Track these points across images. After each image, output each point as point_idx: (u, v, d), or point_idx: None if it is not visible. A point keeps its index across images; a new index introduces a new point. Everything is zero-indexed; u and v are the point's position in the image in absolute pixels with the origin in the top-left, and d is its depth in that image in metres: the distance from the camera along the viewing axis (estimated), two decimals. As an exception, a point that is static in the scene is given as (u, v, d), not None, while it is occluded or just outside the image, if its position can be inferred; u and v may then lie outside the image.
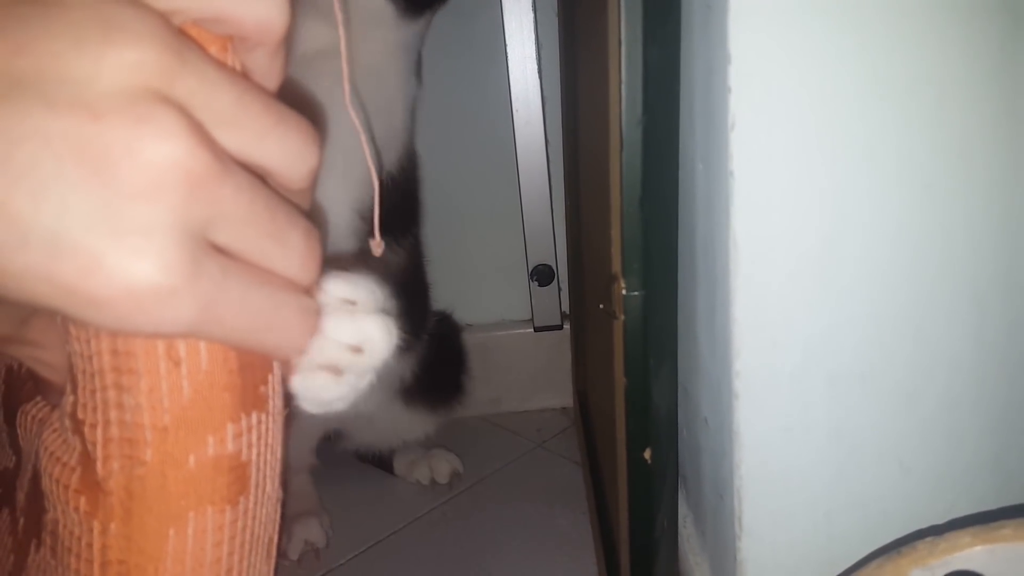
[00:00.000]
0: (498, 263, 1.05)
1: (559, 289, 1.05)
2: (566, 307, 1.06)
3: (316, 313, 0.23)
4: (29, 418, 0.32)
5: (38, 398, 0.31)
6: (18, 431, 0.32)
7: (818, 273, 0.38)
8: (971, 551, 0.31)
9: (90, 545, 0.24)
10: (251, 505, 0.25)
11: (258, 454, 0.24)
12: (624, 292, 0.41)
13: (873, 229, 0.38)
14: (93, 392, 0.23)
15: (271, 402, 0.25)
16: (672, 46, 0.40)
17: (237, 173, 0.20)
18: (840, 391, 0.40)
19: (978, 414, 0.40)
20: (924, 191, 0.37)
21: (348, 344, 0.24)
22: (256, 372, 0.24)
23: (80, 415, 0.24)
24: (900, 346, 0.39)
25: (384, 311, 0.25)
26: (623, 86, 0.38)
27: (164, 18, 0.20)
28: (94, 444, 0.23)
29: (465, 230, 1.03)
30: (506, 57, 0.94)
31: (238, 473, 0.24)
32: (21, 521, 0.31)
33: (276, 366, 0.25)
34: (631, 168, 0.40)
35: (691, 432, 0.51)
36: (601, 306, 0.43)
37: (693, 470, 0.52)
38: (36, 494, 0.28)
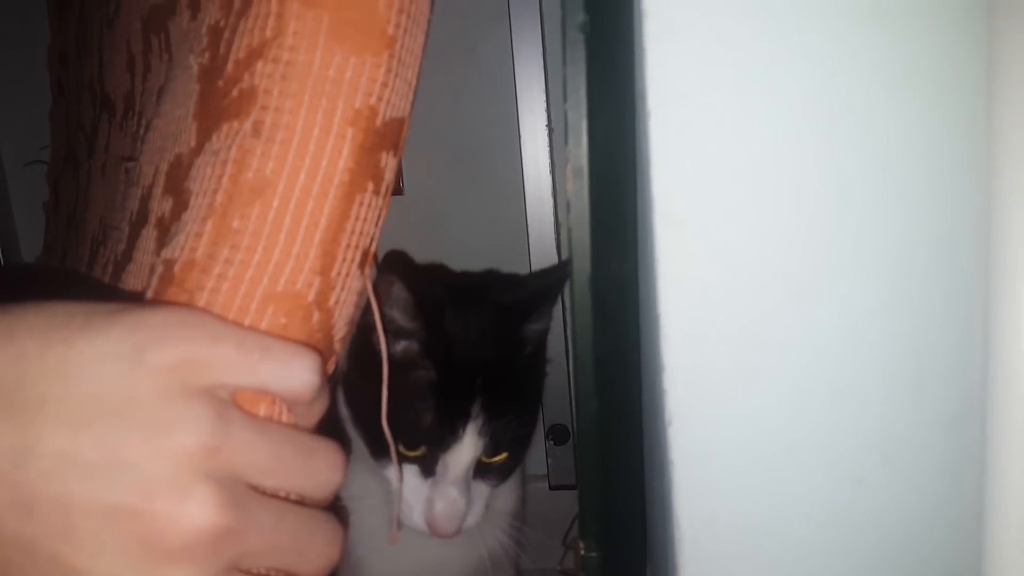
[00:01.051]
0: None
1: (575, 448, 1.08)
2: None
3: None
4: None
5: None
6: None
7: (754, 550, 0.41)
8: None
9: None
10: None
11: None
12: (583, 552, 0.45)
13: (807, 506, 0.40)
14: None
15: None
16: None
17: (265, 511, 0.27)
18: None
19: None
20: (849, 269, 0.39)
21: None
22: None
23: None
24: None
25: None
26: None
27: (215, 398, 0.27)
28: None
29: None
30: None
31: None
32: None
33: None
34: (586, 438, 0.44)
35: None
36: (559, 567, 0.46)
37: None
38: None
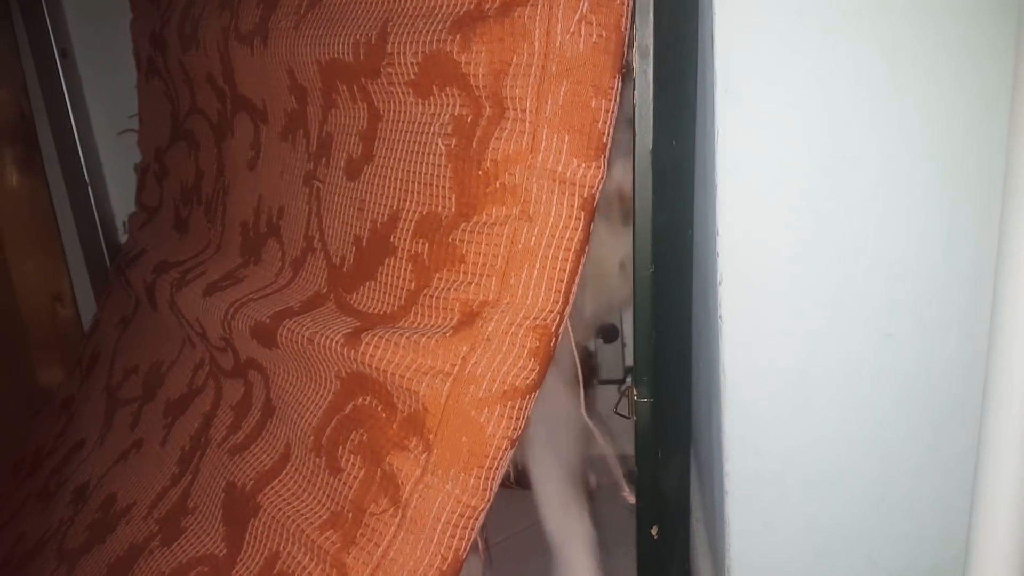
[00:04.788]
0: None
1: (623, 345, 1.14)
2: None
3: None
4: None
5: None
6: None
7: (794, 395, 0.46)
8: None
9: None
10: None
11: None
12: (636, 399, 0.51)
13: (841, 358, 0.45)
14: None
15: None
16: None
17: None
18: (813, 493, 0.47)
19: (940, 516, 0.47)
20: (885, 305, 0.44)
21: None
22: None
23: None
24: (867, 456, 0.47)
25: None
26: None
27: None
28: None
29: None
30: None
31: None
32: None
33: None
34: (642, 297, 0.49)
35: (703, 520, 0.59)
36: (615, 409, 0.52)
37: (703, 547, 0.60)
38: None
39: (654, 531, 0.52)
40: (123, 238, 1.32)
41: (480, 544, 0.58)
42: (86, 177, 1.34)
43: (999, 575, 0.40)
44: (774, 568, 0.48)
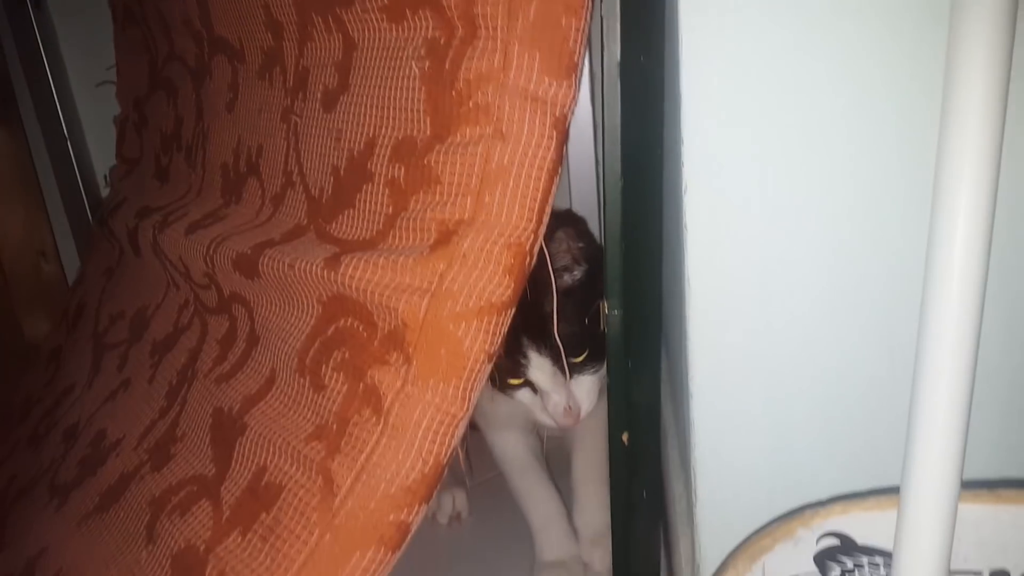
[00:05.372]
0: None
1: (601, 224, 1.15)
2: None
3: None
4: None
5: None
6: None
7: (756, 299, 0.48)
8: (841, 516, 0.41)
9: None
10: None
11: None
12: (606, 311, 0.53)
13: (802, 260, 0.48)
14: None
15: None
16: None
17: None
18: (776, 394, 0.50)
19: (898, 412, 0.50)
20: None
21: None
22: None
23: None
24: (827, 356, 0.49)
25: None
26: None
27: None
28: None
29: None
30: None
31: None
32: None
33: None
34: (612, 213, 0.51)
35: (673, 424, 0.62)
36: (586, 322, 0.54)
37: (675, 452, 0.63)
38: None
39: (625, 437, 0.55)
40: (105, 192, 1.32)
41: (461, 456, 0.60)
42: (65, 131, 1.34)
43: (934, 461, 0.43)
44: (738, 466, 0.51)
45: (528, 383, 0.69)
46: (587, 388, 0.69)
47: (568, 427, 0.69)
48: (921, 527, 0.38)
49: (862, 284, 0.47)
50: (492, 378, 0.68)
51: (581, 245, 0.68)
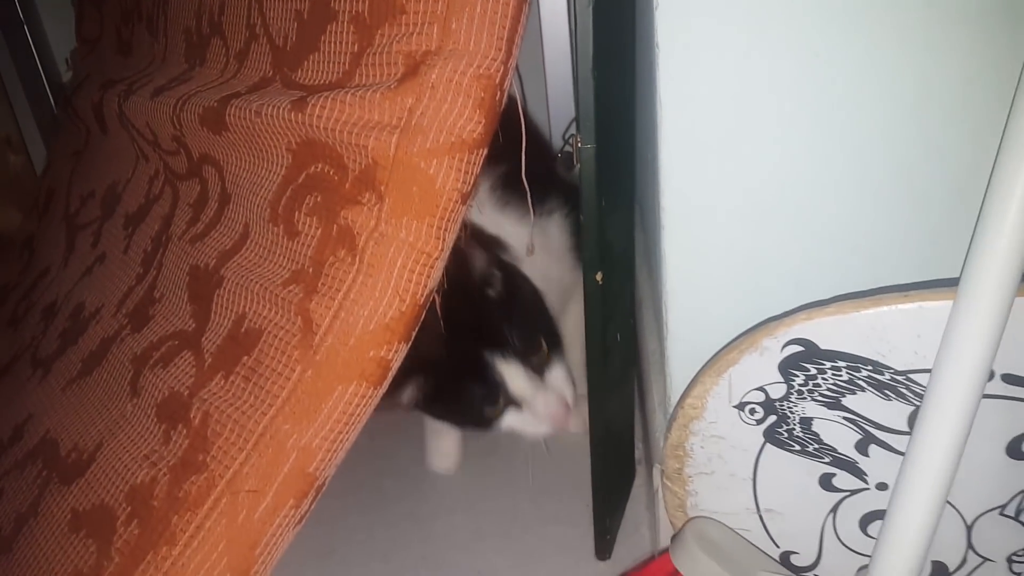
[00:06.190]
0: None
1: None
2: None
3: None
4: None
5: None
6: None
7: (727, 128, 0.48)
8: (806, 323, 0.42)
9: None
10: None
11: None
12: (579, 145, 0.52)
13: (771, 83, 0.47)
14: None
15: None
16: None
17: None
18: (745, 225, 0.50)
19: (866, 242, 0.51)
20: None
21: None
22: None
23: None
24: (794, 187, 0.49)
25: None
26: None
27: None
28: None
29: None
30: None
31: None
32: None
33: None
34: (584, 42, 0.50)
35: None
36: (559, 155, 0.53)
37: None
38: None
39: (598, 277, 0.55)
40: (67, 78, 1.27)
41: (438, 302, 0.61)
42: (20, 16, 1.28)
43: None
44: (708, 296, 0.52)
45: (507, 404, 0.67)
46: (563, 378, 0.68)
47: (566, 426, 0.67)
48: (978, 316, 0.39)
49: (836, 109, 0.47)
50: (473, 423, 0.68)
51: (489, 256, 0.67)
